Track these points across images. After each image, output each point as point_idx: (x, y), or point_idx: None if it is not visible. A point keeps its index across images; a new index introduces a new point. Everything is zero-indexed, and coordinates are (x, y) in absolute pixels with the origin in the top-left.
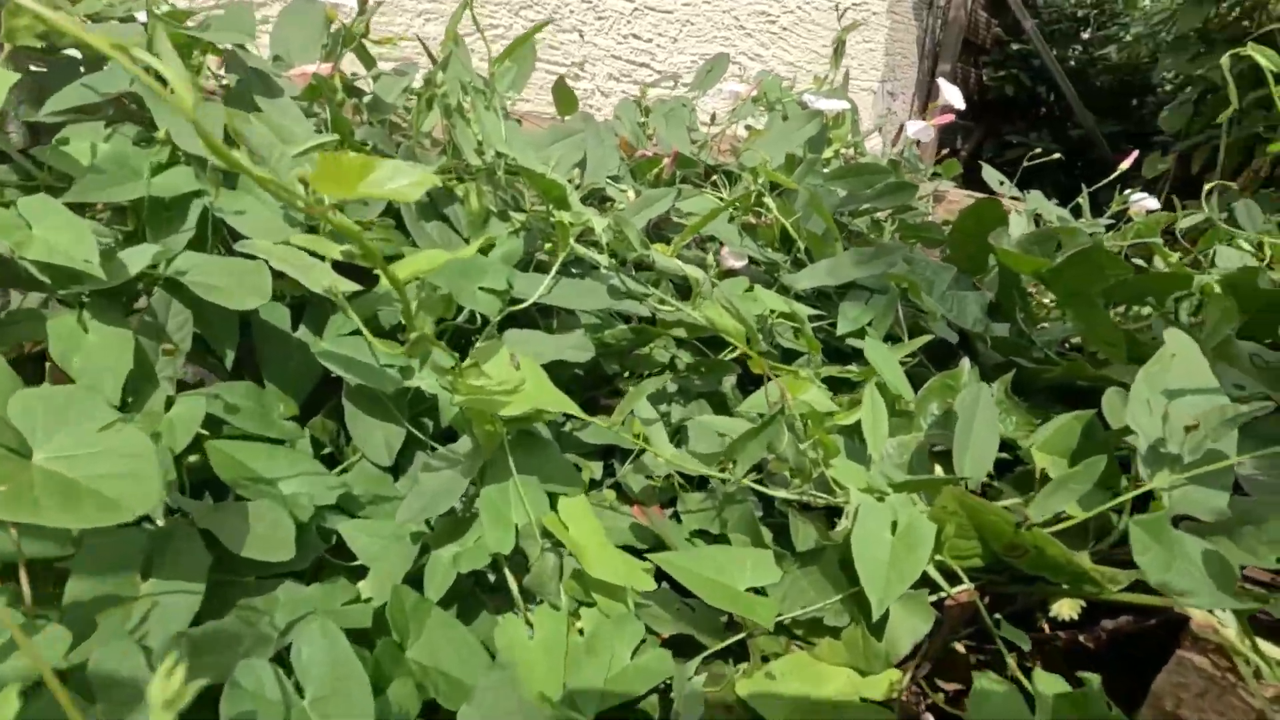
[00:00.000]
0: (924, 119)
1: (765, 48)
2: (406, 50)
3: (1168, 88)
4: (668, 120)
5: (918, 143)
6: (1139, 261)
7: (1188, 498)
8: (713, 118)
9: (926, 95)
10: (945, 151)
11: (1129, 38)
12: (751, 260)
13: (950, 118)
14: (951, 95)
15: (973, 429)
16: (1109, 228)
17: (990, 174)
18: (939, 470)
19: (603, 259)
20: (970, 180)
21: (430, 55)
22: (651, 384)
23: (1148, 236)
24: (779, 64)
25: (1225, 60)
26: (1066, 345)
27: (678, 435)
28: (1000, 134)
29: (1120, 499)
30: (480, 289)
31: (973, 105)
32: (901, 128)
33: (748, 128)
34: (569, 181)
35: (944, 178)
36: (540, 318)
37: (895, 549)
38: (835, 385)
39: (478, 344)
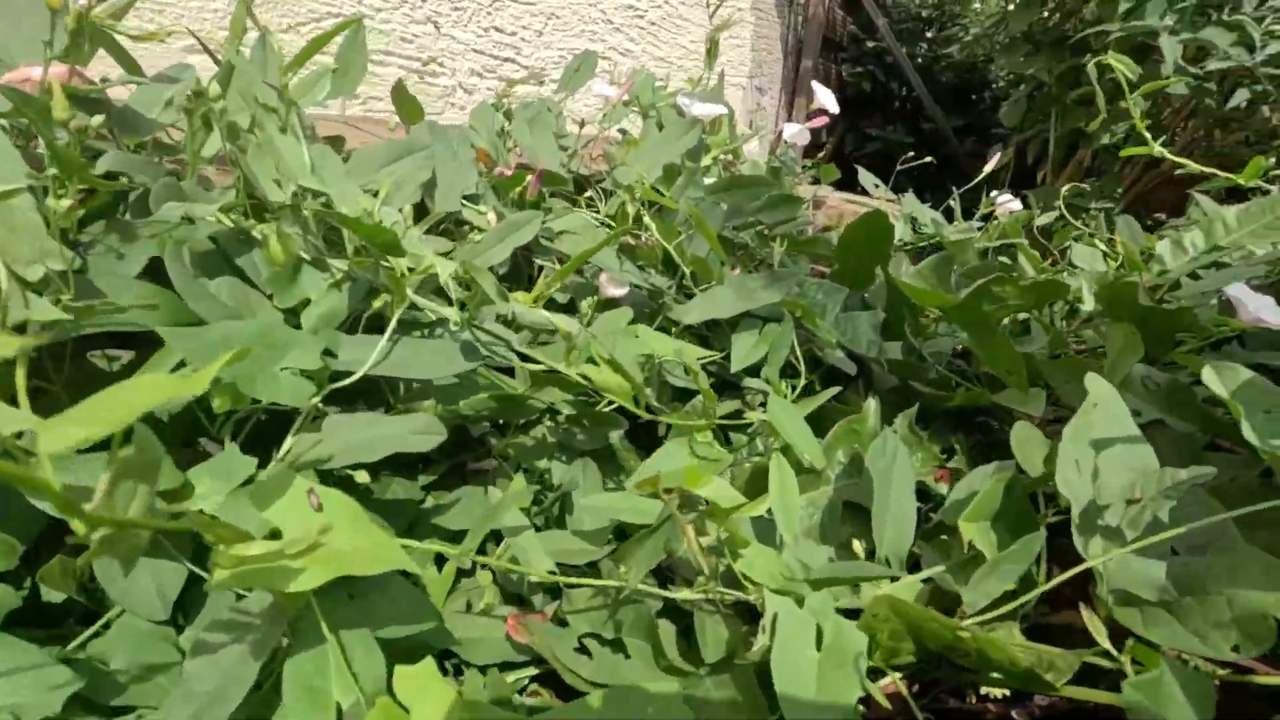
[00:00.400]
0: (793, 117)
1: (635, 43)
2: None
3: (1002, 84)
4: (532, 127)
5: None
6: (1004, 259)
7: (1126, 570)
8: (581, 125)
9: (793, 91)
10: (823, 153)
11: (968, 38)
12: (633, 285)
13: (825, 120)
14: (825, 99)
15: (890, 496)
16: (980, 228)
17: (866, 177)
18: (857, 547)
19: (451, 313)
20: (840, 176)
21: (213, 57)
22: (514, 499)
23: (1013, 237)
24: (650, 59)
25: (1091, 68)
26: (954, 352)
27: (560, 504)
28: (861, 128)
29: (1058, 579)
30: (284, 370)
31: (835, 100)
32: (780, 134)
33: (622, 132)
34: (412, 209)
35: (822, 182)
36: (384, 380)
37: (822, 670)
38: (735, 418)
39: (261, 475)
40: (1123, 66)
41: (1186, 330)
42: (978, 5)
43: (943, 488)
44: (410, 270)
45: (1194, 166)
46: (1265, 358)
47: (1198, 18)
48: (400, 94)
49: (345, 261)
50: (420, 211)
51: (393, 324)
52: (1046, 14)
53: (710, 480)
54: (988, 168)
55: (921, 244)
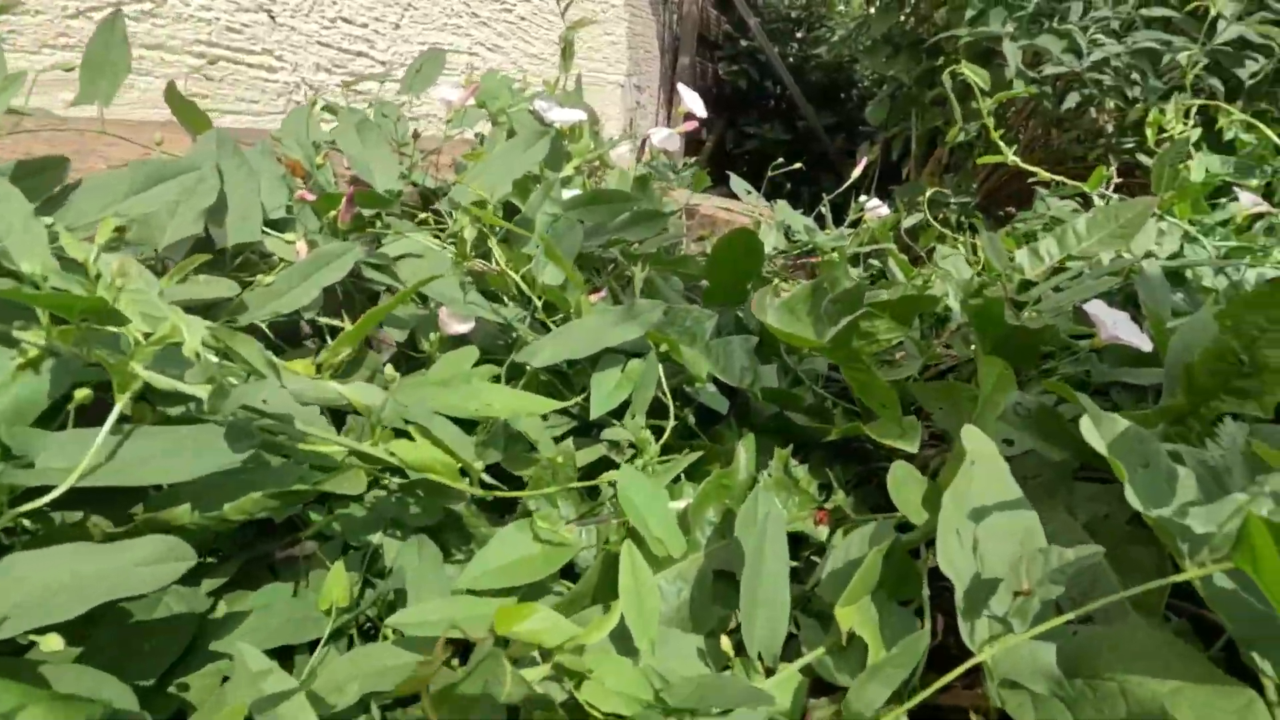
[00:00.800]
0: (672, 114)
1: (504, 38)
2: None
3: (867, 84)
4: (362, 134)
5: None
6: (875, 263)
7: (1014, 656)
8: (415, 135)
9: (671, 88)
10: (704, 151)
11: (835, 39)
12: (482, 319)
13: (695, 124)
14: (692, 102)
15: (761, 576)
16: (850, 234)
17: (737, 184)
18: (725, 644)
19: (202, 390)
20: (716, 172)
21: None
22: (254, 678)
23: (883, 241)
24: (521, 56)
25: (946, 77)
26: (831, 366)
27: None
28: (740, 125)
29: (945, 679)
30: None
31: (713, 98)
32: (645, 140)
33: (481, 137)
34: (192, 244)
35: (695, 189)
36: None
37: None
38: (601, 467)
39: None
40: (975, 76)
41: (1049, 345)
42: (842, 8)
43: (823, 532)
44: (145, 337)
45: (1045, 175)
46: (1123, 374)
47: (1033, 25)
48: (175, 97)
49: (42, 332)
50: (201, 248)
51: (114, 414)
52: (904, 18)
53: (531, 612)
54: (855, 172)
55: (796, 251)
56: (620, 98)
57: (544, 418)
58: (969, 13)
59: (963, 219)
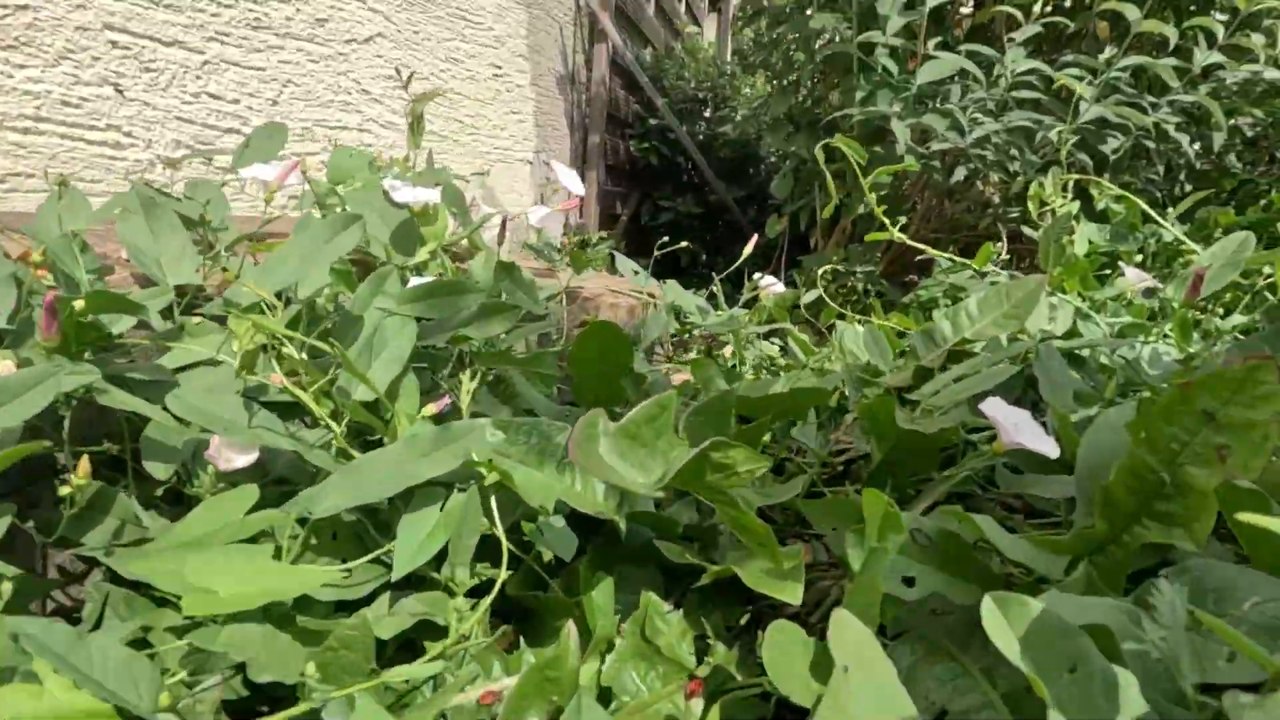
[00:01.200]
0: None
1: (399, 115)
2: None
3: (773, 159)
4: (150, 218)
5: (573, 213)
6: (777, 342)
7: None
8: (203, 220)
9: (584, 163)
10: (622, 220)
11: (739, 118)
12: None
13: (575, 203)
14: (568, 181)
15: None
16: (745, 312)
17: (624, 264)
18: None
19: None
20: (633, 245)
21: None
22: None
23: (779, 320)
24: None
25: (819, 151)
26: None
27: None
28: (654, 199)
29: None
30: None
31: (627, 173)
32: (504, 224)
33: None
34: None
35: (577, 271)
36: None
37: None
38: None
39: None
40: (853, 152)
41: (949, 444)
42: (747, 91)
43: (696, 707)
44: None
45: (934, 252)
46: (1031, 484)
47: (918, 105)
48: None
49: None
50: None
51: None
52: (801, 98)
53: None
54: (747, 249)
55: (687, 333)
56: (530, 174)
57: (347, 573)
58: (859, 94)
59: (868, 287)
